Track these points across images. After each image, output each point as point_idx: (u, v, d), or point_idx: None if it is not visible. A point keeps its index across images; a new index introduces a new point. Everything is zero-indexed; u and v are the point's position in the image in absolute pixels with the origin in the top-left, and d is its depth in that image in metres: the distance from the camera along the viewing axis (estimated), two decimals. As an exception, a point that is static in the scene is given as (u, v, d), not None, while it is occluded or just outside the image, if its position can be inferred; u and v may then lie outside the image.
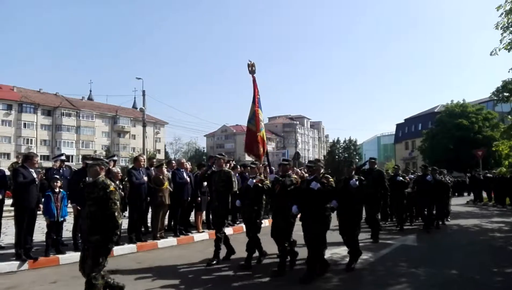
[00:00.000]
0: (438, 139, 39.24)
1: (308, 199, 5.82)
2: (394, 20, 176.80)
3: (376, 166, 10.01)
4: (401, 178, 10.94)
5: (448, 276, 6.07)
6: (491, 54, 15.16)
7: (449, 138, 37.83)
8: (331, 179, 6.24)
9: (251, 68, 7.38)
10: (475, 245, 8.80)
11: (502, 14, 14.58)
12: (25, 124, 58.07)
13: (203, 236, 9.50)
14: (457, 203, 18.83)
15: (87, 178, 5.01)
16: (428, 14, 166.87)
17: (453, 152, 36.88)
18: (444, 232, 10.62)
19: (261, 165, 7.65)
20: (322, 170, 6.26)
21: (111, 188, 4.37)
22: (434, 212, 10.94)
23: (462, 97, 53.70)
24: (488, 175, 20.42)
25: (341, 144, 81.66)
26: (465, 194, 25.16)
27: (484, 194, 20.24)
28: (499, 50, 15.04)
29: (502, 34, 14.85)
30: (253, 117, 7.29)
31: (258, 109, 7.31)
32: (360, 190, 6.41)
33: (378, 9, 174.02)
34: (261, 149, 7.29)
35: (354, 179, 6.42)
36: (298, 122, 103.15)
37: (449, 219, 12.46)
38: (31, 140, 58.72)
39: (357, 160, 68.88)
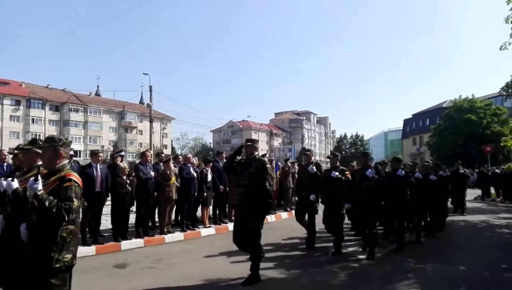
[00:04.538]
0: (446, 134, 38.91)
1: None
2: (402, 17, 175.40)
3: (256, 152, 5.79)
4: (337, 173, 7.36)
5: (456, 272, 6.04)
6: (500, 49, 14.97)
7: (457, 134, 37.51)
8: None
9: None
10: (483, 241, 8.74)
11: (512, 8, 14.37)
12: (33, 119, 58.52)
13: (209, 231, 9.53)
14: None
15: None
16: (436, 9, 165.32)
17: (461, 147, 36.58)
18: (452, 228, 10.54)
19: None
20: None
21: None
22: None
23: (471, 92, 53.25)
24: (496, 171, 20.26)
25: (348, 140, 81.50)
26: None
27: (492, 190, 20.12)
28: (509, 44, 14.82)
29: (512, 28, 14.63)
30: None
31: None
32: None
33: (384, 6, 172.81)
34: None
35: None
36: (304, 118, 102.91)
37: (442, 229, 10.04)
38: (39, 135, 58.91)
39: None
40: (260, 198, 5.40)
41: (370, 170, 7.07)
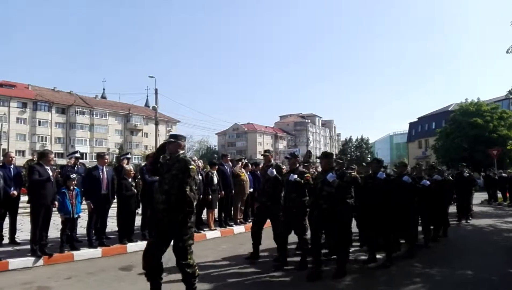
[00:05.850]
0: (452, 138, 38.71)
1: None
2: (407, 19, 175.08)
3: (182, 151, 4.81)
4: (296, 176, 6.32)
5: (463, 276, 5.99)
6: (507, 52, 14.95)
7: (463, 137, 37.31)
8: None
9: None
10: (490, 246, 8.66)
11: (519, 11, 14.32)
12: (39, 122, 58.86)
13: (215, 233, 9.53)
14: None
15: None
16: (443, 12, 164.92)
17: (468, 151, 36.36)
18: (458, 233, 10.45)
19: None
20: None
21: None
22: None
23: (477, 96, 52.97)
24: (503, 174, 20.12)
25: (353, 143, 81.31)
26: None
27: (499, 194, 19.94)
28: (516, 47, 14.80)
29: (518, 31, 14.59)
30: None
31: None
32: None
33: (388, 8, 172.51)
34: None
35: None
36: (309, 121, 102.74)
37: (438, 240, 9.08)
38: (46, 137, 59.51)
39: (369, 159, 68.45)
40: (180, 206, 4.40)
41: (331, 173, 5.91)
